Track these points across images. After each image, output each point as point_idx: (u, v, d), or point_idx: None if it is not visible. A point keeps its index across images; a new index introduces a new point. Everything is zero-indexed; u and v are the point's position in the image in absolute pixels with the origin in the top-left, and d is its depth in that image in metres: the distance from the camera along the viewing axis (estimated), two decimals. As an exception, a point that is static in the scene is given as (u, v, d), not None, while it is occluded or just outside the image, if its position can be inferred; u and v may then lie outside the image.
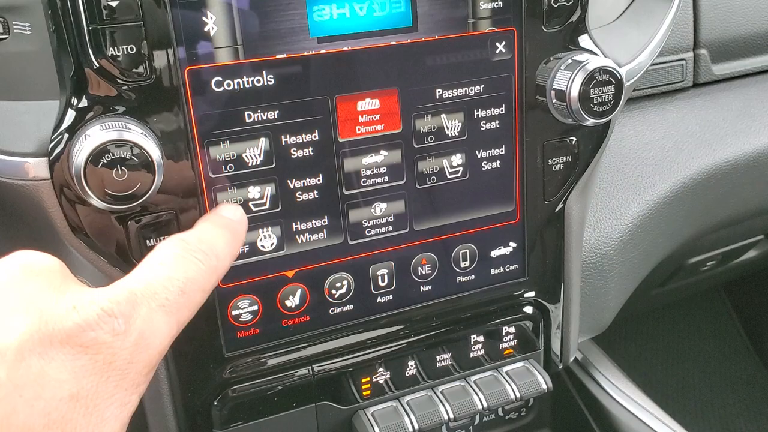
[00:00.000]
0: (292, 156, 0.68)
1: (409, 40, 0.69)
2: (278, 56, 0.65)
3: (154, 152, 0.59)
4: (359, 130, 0.70)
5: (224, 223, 0.62)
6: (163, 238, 0.64)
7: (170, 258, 0.54)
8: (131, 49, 0.59)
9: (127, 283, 0.50)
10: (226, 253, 0.59)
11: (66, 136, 0.59)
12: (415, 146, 0.73)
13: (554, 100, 0.73)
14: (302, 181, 0.69)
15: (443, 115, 0.73)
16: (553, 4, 0.72)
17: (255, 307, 0.71)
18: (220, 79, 0.64)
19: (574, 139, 0.78)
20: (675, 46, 1.03)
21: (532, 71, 0.74)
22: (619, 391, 0.99)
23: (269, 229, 0.70)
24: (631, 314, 1.04)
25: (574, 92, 0.71)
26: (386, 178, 0.72)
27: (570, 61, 0.72)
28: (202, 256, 0.56)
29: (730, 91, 1.07)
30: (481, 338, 0.82)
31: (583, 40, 0.76)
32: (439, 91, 0.72)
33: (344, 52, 0.67)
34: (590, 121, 0.72)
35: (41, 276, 0.49)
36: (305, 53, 0.66)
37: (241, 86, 0.64)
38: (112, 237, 0.63)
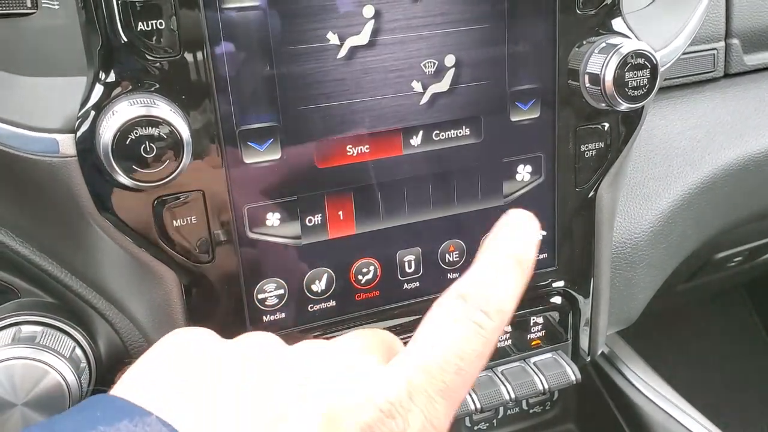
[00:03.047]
0: None
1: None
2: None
3: (183, 130, 0.58)
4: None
5: (512, 264, 0.49)
6: (191, 219, 0.63)
7: (447, 330, 0.46)
8: (160, 24, 0.58)
9: (404, 370, 0.46)
10: (511, 301, 0.48)
11: (93, 112, 0.58)
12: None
13: (588, 85, 0.71)
14: None
15: (474, 98, 0.71)
16: None
17: (281, 291, 0.70)
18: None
19: (607, 124, 0.76)
20: (706, 36, 1.01)
21: (565, 55, 0.73)
22: (648, 385, 0.97)
23: (297, 211, 0.68)
24: (650, 312, 1.01)
25: (609, 76, 0.69)
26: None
27: (604, 44, 0.71)
28: (482, 318, 0.47)
29: (762, 82, 1.05)
30: (508, 328, 0.81)
31: (617, 24, 0.74)
32: (470, 73, 0.70)
33: None
34: (624, 106, 0.71)
35: (374, 350, 0.52)
36: None
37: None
38: (139, 216, 0.62)
